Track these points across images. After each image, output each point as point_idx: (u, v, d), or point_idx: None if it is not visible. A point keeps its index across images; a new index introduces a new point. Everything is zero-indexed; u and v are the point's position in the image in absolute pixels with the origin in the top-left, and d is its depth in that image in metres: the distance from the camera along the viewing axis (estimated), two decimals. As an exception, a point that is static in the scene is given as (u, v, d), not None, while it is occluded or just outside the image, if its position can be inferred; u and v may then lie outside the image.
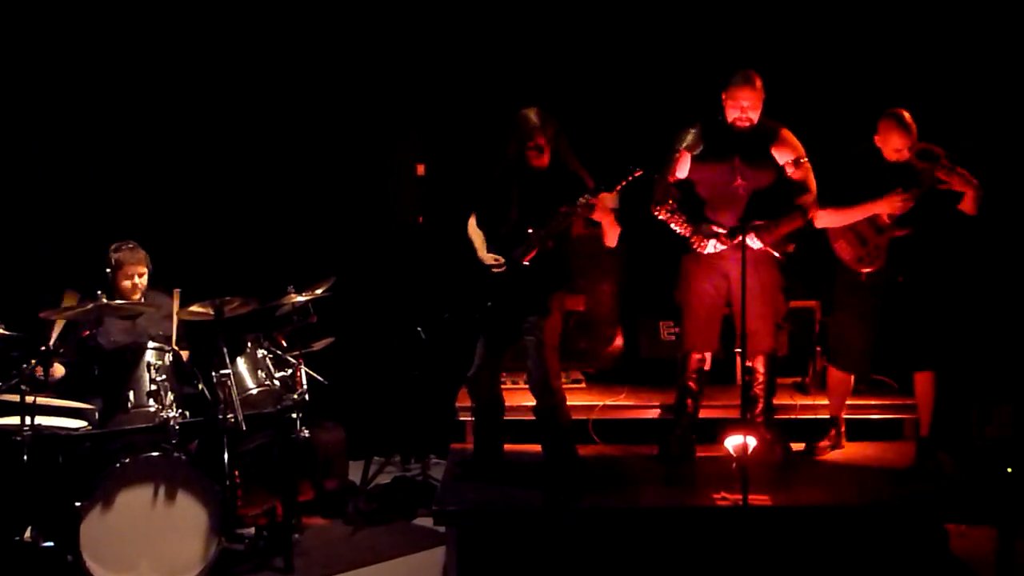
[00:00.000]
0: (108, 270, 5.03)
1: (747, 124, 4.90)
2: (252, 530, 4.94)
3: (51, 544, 4.40)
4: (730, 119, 4.91)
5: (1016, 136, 5.18)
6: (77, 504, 4.29)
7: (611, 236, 4.82)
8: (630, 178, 4.58)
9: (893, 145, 4.86)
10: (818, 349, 5.74)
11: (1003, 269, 5.84)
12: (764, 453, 5.02)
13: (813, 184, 5.00)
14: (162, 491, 4.44)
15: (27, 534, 4.38)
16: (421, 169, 6.11)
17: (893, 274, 4.95)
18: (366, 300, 6.19)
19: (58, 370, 4.83)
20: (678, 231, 5.00)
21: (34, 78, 5.84)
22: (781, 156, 4.98)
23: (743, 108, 4.87)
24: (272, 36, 6.18)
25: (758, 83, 4.88)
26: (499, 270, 4.74)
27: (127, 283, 5.02)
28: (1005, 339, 5.75)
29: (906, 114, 4.84)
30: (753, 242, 4.81)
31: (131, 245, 5.08)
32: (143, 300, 5.09)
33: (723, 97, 4.93)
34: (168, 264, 5.70)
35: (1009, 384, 5.60)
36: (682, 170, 5.02)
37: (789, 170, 4.97)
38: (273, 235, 6.20)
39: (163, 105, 6.09)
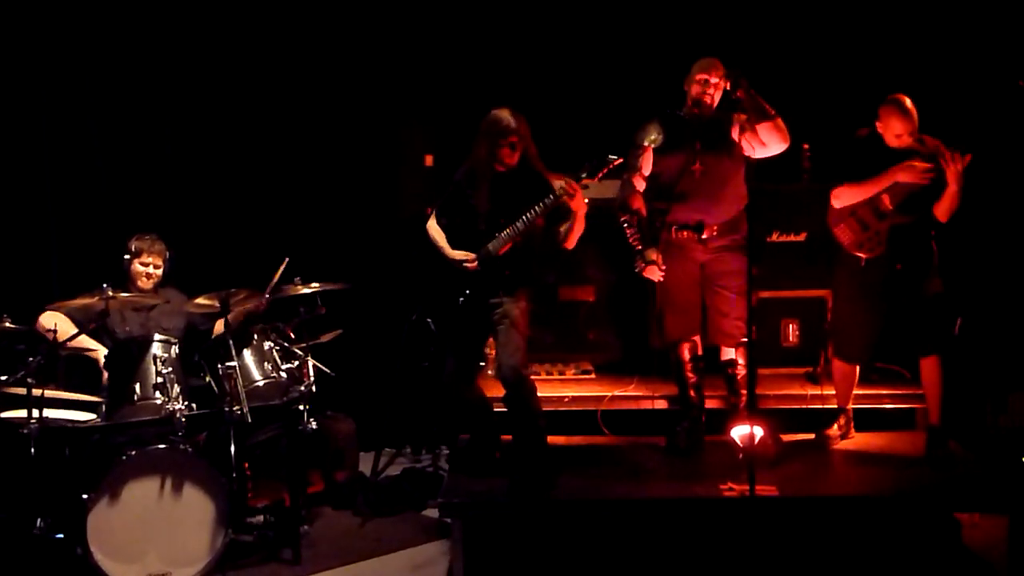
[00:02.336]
0: (126, 257, 5.07)
1: (711, 101, 4.90)
2: (261, 520, 4.95)
3: (60, 536, 4.43)
4: (695, 97, 4.92)
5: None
6: (84, 496, 4.31)
7: (575, 236, 4.78)
8: (610, 166, 4.62)
9: (894, 131, 4.82)
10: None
11: (1018, 259, 5.78)
12: (756, 448, 4.96)
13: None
14: (169, 483, 4.45)
15: (37, 527, 4.42)
16: (429, 160, 6.09)
17: (892, 262, 4.90)
18: (375, 292, 6.19)
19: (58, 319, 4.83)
20: (630, 242, 5.02)
21: (42, 73, 5.87)
22: (738, 129, 4.90)
23: (708, 83, 4.87)
24: (279, 29, 6.19)
25: (720, 64, 4.90)
26: (471, 266, 4.77)
27: (141, 270, 5.05)
28: (1020, 327, 5.69)
29: (907, 100, 4.80)
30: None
31: (152, 236, 5.13)
32: (155, 293, 5.12)
33: (686, 84, 4.97)
34: (176, 256, 5.71)
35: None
36: (647, 167, 5.03)
37: (749, 125, 4.78)
38: (281, 227, 6.20)
39: (171, 99, 6.11)
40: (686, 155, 4.95)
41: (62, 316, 4.79)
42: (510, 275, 4.76)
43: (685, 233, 5.01)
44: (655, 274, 4.98)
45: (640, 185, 5.06)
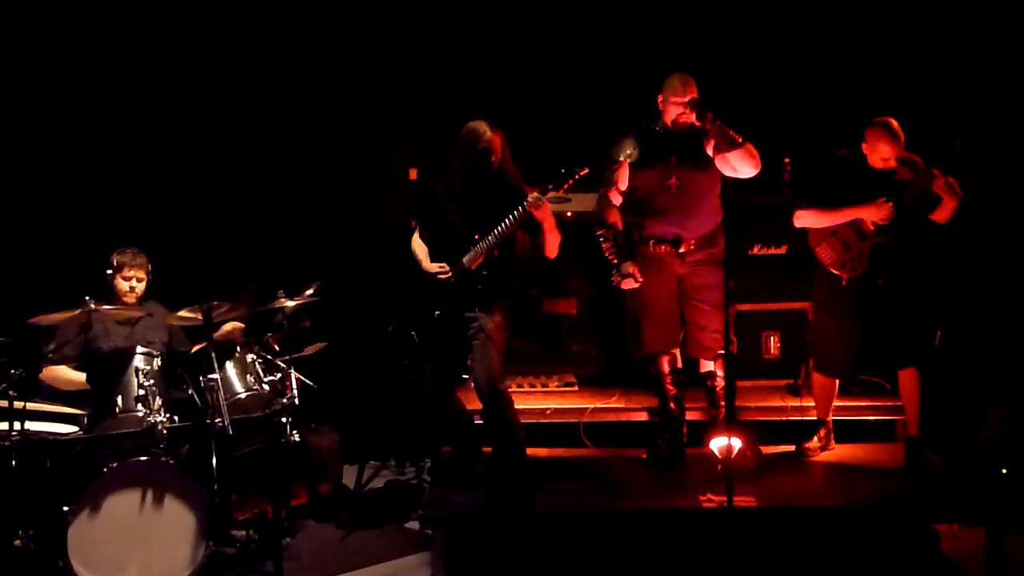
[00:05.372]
0: (108, 271, 5.08)
1: (688, 120, 4.90)
2: (244, 534, 4.96)
3: (41, 549, 4.43)
4: (672, 118, 4.96)
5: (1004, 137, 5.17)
6: (65, 509, 4.31)
7: (551, 245, 4.82)
8: (576, 176, 4.64)
9: (881, 154, 4.85)
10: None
11: (998, 271, 5.83)
12: (735, 459, 4.94)
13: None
14: (150, 495, 4.45)
15: (18, 540, 4.42)
16: (414, 173, 6.13)
17: (873, 278, 4.95)
18: (359, 304, 6.22)
19: (58, 370, 4.89)
20: (606, 256, 5.05)
21: (26, 83, 5.88)
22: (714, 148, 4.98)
23: (685, 105, 4.88)
24: (264, 42, 6.22)
25: (692, 82, 4.94)
26: (445, 277, 4.79)
27: (124, 285, 5.06)
28: (1000, 340, 5.73)
29: (894, 123, 4.83)
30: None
31: (134, 250, 5.13)
32: (138, 306, 5.13)
33: (661, 100, 5.01)
34: (160, 269, 5.73)
35: (1003, 385, 5.58)
36: (623, 181, 5.07)
37: (718, 155, 4.91)
38: (267, 240, 6.24)
39: (156, 110, 6.13)
40: (662, 170, 4.99)
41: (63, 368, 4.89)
42: (485, 289, 4.78)
43: (663, 247, 5.04)
44: (631, 285, 5.02)
45: (616, 199, 5.09)
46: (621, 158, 5.05)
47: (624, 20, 6.28)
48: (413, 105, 6.30)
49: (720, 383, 5.08)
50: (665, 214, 5.01)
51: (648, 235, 5.05)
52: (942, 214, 4.85)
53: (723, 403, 5.03)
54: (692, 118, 4.87)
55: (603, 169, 5.10)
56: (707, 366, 5.14)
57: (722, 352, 4.96)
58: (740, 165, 4.88)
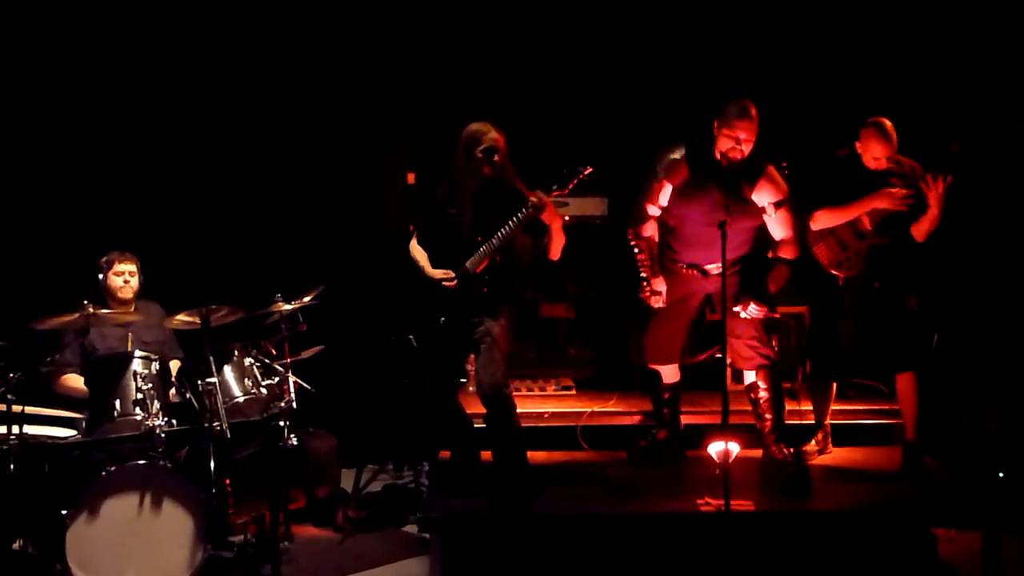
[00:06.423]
0: (100, 275, 5.09)
1: (739, 157, 4.70)
2: (242, 538, 4.96)
3: (39, 553, 4.43)
4: (722, 150, 4.72)
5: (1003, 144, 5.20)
6: (63, 512, 4.31)
7: (556, 247, 4.80)
8: (580, 176, 4.62)
9: (873, 153, 4.87)
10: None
11: (996, 275, 5.85)
12: (776, 478, 4.91)
13: (791, 226, 4.86)
14: (148, 499, 4.46)
15: (16, 543, 4.43)
16: (411, 177, 6.14)
17: (869, 280, 4.96)
18: (357, 308, 6.22)
19: (72, 379, 4.91)
20: (638, 268, 4.99)
21: (24, 89, 5.89)
22: (762, 197, 4.79)
23: (739, 140, 4.66)
24: (263, 47, 6.23)
25: (755, 115, 4.68)
26: (450, 284, 4.77)
27: (117, 280, 5.08)
28: (998, 343, 5.75)
29: (887, 123, 4.84)
30: (754, 311, 4.77)
31: (119, 250, 5.15)
32: (134, 307, 5.14)
33: (716, 125, 4.72)
34: (159, 273, 5.75)
35: (1000, 389, 5.59)
36: (664, 198, 4.90)
37: (770, 211, 4.80)
38: (264, 244, 6.24)
39: (153, 114, 6.14)
40: (701, 203, 4.80)
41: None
42: (490, 293, 4.77)
43: (692, 271, 4.97)
44: (658, 304, 4.98)
45: (654, 212, 4.95)
46: (664, 177, 4.86)
47: (621, 24, 6.28)
48: (411, 109, 6.30)
49: (763, 395, 4.95)
50: (696, 245, 4.89)
51: (677, 258, 4.97)
52: (920, 229, 4.88)
53: (769, 416, 4.95)
54: (746, 151, 4.69)
55: (644, 179, 4.99)
56: (750, 377, 4.99)
57: (765, 363, 4.91)
58: None
